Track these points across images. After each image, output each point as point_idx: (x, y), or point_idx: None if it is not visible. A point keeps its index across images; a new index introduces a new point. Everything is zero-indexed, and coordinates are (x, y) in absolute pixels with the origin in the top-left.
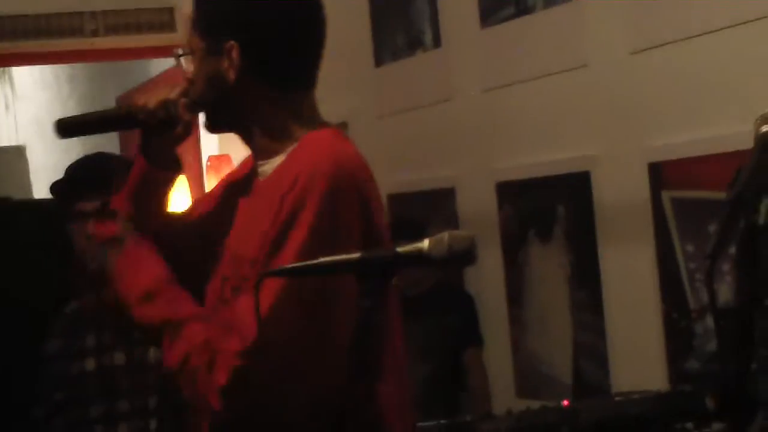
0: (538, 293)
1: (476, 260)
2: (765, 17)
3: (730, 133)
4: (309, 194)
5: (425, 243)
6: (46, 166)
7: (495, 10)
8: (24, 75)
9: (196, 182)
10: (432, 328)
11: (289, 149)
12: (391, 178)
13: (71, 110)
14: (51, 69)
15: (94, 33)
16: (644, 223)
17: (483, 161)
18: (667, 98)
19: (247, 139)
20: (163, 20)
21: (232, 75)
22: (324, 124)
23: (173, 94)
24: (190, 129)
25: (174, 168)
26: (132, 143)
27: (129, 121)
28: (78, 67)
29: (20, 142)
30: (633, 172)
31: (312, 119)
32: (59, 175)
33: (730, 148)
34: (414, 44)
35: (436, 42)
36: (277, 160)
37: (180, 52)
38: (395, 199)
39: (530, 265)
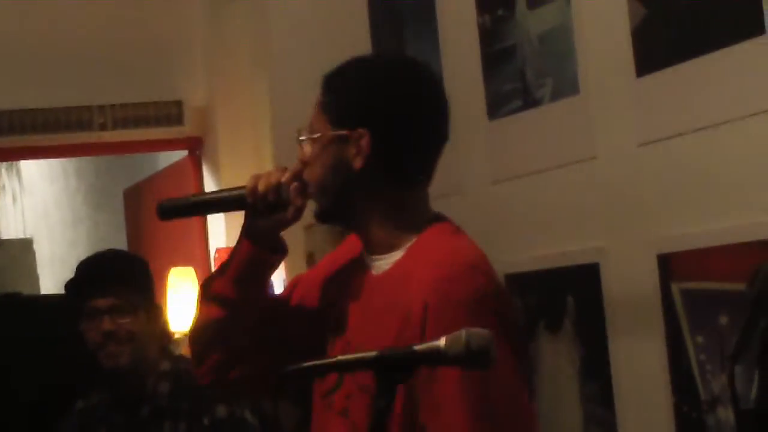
0: (548, 386)
1: (495, 360)
2: None
3: (739, 224)
4: (449, 303)
5: (442, 341)
6: (53, 259)
7: (502, 103)
8: (32, 168)
9: (205, 275)
10: None
11: (407, 245)
12: None
13: (79, 203)
14: (59, 162)
15: (102, 127)
16: (654, 315)
17: (492, 253)
18: (676, 190)
19: (362, 231)
20: (171, 114)
21: (358, 163)
22: (435, 216)
23: (285, 177)
24: (301, 213)
25: (280, 251)
26: (140, 242)
27: (237, 203)
28: (86, 160)
29: (27, 235)
30: (642, 264)
31: (424, 212)
32: (66, 267)
33: (740, 240)
34: None
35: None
36: (394, 256)
37: (301, 134)
38: None
39: (540, 358)
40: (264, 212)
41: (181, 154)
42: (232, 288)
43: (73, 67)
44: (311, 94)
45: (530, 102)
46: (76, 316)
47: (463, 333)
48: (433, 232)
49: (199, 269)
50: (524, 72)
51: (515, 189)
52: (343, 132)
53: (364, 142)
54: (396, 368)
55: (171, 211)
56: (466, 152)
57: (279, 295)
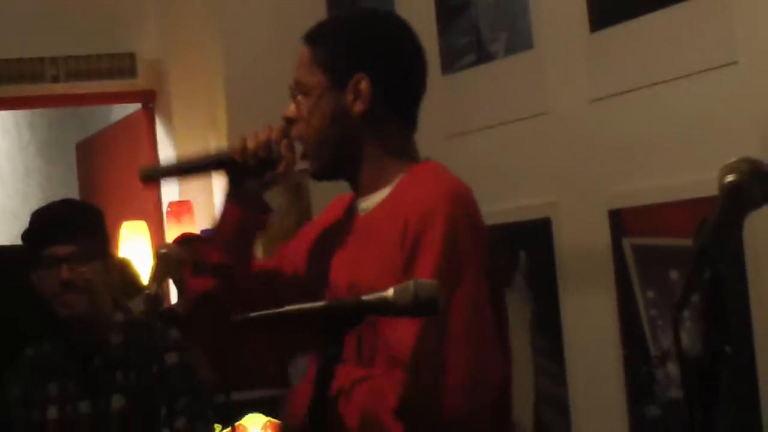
0: None
1: (441, 309)
2: (725, 65)
3: (690, 180)
4: (430, 221)
5: (390, 291)
6: (4, 212)
7: (456, 57)
8: None
9: (157, 229)
10: None
11: (394, 182)
12: None
13: (31, 156)
14: (10, 114)
15: (55, 79)
16: (605, 270)
17: None
18: (627, 146)
19: (356, 177)
20: (124, 66)
21: (360, 107)
22: (427, 159)
23: (274, 134)
24: (291, 170)
25: (267, 210)
26: (92, 195)
27: (224, 163)
28: (38, 113)
29: None
30: (593, 219)
31: (413, 152)
32: (18, 221)
33: (690, 196)
34: None
35: None
36: (380, 195)
37: (295, 90)
38: None
39: None
40: (254, 171)
41: (134, 107)
42: (227, 253)
43: (25, 18)
44: (265, 46)
45: (484, 57)
46: (28, 265)
47: (411, 283)
48: (422, 168)
49: (152, 223)
50: (478, 26)
51: (467, 144)
52: (339, 79)
53: (364, 85)
54: (344, 318)
55: (154, 175)
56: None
57: (272, 259)
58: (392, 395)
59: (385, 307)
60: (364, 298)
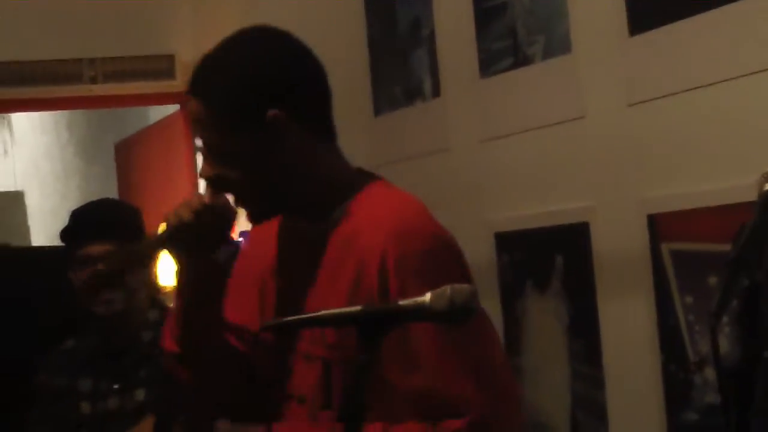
0: (535, 344)
1: (476, 315)
2: (766, 70)
3: (729, 185)
4: (408, 259)
5: (427, 296)
6: (43, 211)
7: (494, 61)
8: (23, 120)
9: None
10: None
11: (345, 203)
12: None
13: (70, 156)
14: (50, 115)
15: (93, 80)
16: (643, 275)
17: (481, 211)
18: (666, 150)
19: (299, 206)
20: (162, 68)
21: (284, 143)
22: (369, 175)
23: (210, 199)
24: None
25: (225, 272)
26: (130, 195)
27: (165, 243)
28: (77, 113)
29: (18, 188)
30: (632, 224)
31: (350, 168)
32: (57, 220)
33: (729, 201)
34: (413, 94)
35: (435, 92)
36: (333, 217)
37: (206, 154)
38: None
39: (528, 316)
40: (211, 237)
41: (172, 108)
42: (195, 316)
43: (65, 19)
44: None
45: (521, 60)
46: (66, 265)
47: (447, 289)
48: (374, 188)
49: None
50: (516, 29)
51: (504, 148)
52: (252, 123)
53: (281, 120)
54: (379, 324)
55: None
56: (456, 110)
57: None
58: None
59: (421, 312)
60: (401, 303)
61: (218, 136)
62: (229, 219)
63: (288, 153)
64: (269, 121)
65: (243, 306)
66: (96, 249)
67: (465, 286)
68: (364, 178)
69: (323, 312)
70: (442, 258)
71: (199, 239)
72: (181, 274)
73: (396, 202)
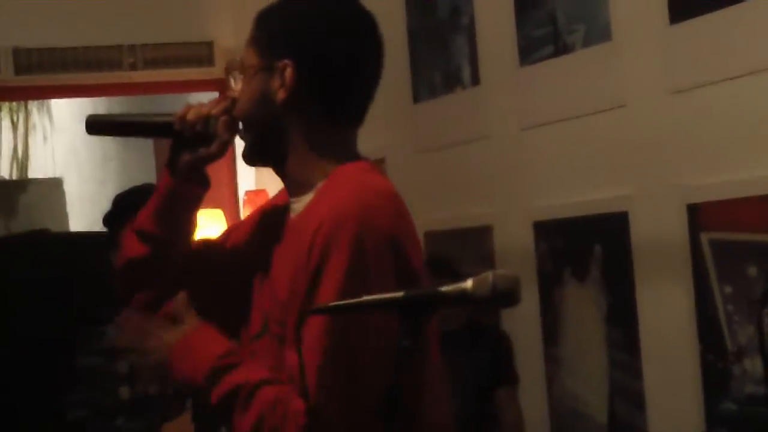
0: (573, 332)
1: (520, 301)
2: None
3: None
4: (336, 240)
5: (469, 282)
6: (82, 198)
7: (534, 48)
8: (62, 107)
9: (233, 217)
10: (462, 364)
11: (320, 184)
12: (427, 216)
13: (108, 142)
14: (89, 101)
15: (133, 66)
16: (682, 264)
17: (520, 200)
18: (707, 139)
19: (282, 172)
20: (202, 54)
21: (282, 94)
22: (356, 158)
23: (215, 110)
24: (226, 149)
25: (203, 184)
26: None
27: (164, 129)
28: (116, 100)
29: (57, 174)
30: (671, 213)
31: (345, 154)
32: (96, 207)
33: None
34: (452, 82)
35: (475, 80)
36: (308, 197)
37: (229, 65)
38: (431, 236)
39: (566, 304)
40: (189, 142)
41: (211, 95)
42: (154, 222)
43: (104, 6)
44: None
45: (561, 48)
46: (107, 249)
47: (489, 275)
48: (344, 170)
49: (228, 212)
50: (556, 17)
51: (544, 136)
52: (268, 63)
53: (288, 73)
54: (421, 308)
55: (97, 126)
56: (496, 98)
57: (213, 240)
58: (298, 421)
59: (463, 298)
60: (443, 289)
61: (246, 61)
62: (209, 138)
63: (281, 109)
64: (280, 68)
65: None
66: None
67: (507, 272)
68: (342, 160)
69: (366, 297)
70: (370, 245)
71: (181, 139)
72: (165, 164)
73: (354, 182)
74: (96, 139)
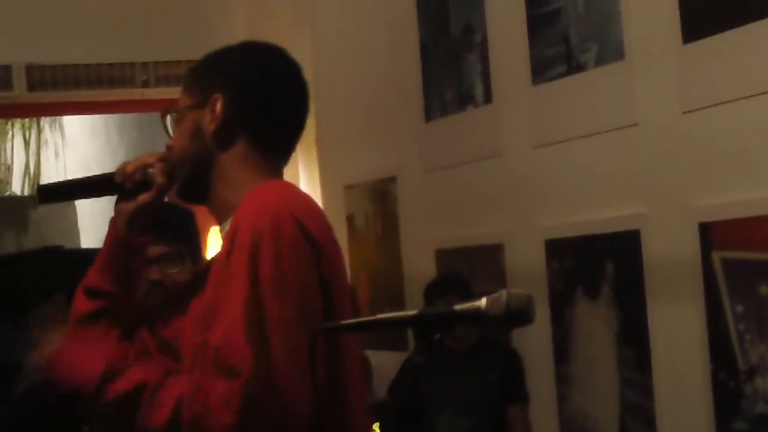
0: (585, 350)
1: (533, 320)
2: None
3: None
4: (243, 226)
5: (483, 301)
6: (93, 215)
7: (546, 67)
8: (74, 123)
9: None
10: (474, 382)
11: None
12: (438, 233)
13: (120, 159)
14: (101, 118)
15: (145, 84)
16: (693, 283)
17: (532, 218)
18: (719, 158)
19: (212, 202)
20: None
21: (212, 125)
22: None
23: (151, 159)
24: (163, 194)
25: (144, 233)
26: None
27: (107, 185)
28: (128, 117)
29: None
30: (683, 232)
31: (270, 177)
32: (106, 223)
33: None
34: (464, 100)
35: (487, 98)
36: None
37: (164, 112)
38: (442, 254)
39: (577, 322)
40: (131, 193)
41: None
42: (101, 278)
43: (117, 23)
44: (353, 52)
45: (574, 67)
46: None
47: (503, 294)
48: (265, 183)
49: None
50: (569, 36)
51: (556, 154)
52: (200, 99)
53: (219, 105)
54: (434, 326)
55: (49, 194)
56: (508, 116)
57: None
58: (227, 409)
59: (477, 316)
60: (457, 307)
61: (180, 104)
62: (148, 186)
63: (213, 142)
64: (211, 102)
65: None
66: (152, 250)
67: (521, 291)
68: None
69: (380, 315)
70: (275, 230)
71: (123, 191)
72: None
73: (270, 192)
74: (108, 155)
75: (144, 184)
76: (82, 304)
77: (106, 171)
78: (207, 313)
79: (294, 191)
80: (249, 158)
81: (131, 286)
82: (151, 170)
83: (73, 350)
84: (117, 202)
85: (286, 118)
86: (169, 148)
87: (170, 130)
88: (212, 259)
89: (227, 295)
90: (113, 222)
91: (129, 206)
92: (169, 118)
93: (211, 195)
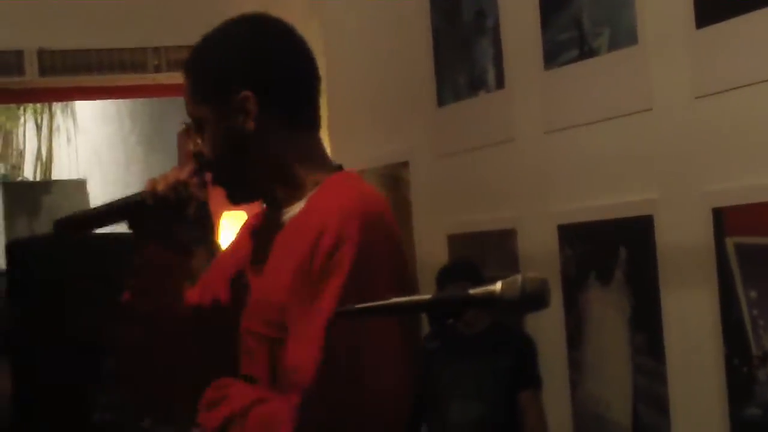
0: (597, 336)
1: (548, 304)
2: None
3: None
4: (343, 239)
5: (498, 285)
6: (105, 199)
7: (559, 52)
8: (86, 109)
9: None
10: (486, 368)
11: (309, 194)
12: (451, 219)
13: (132, 145)
14: (113, 103)
15: (157, 69)
16: (707, 268)
17: (544, 203)
18: (732, 143)
19: (269, 195)
20: None
21: (251, 125)
22: (341, 167)
23: (183, 174)
24: (205, 209)
25: (187, 252)
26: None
27: (137, 209)
28: (140, 102)
29: (80, 175)
30: (696, 217)
31: (326, 162)
32: None
33: None
34: (477, 85)
35: (499, 83)
36: (298, 206)
37: (186, 126)
38: (454, 240)
39: (590, 308)
40: (167, 214)
41: None
42: (141, 299)
43: (129, 8)
44: (364, 38)
45: (587, 52)
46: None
47: (518, 278)
48: (339, 178)
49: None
50: (581, 21)
51: (569, 139)
52: (223, 104)
53: (251, 102)
54: (449, 311)
55: (69, 227)
56: (521, 101)
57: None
58: (286, 424)
59: (491, 301)
60: (472, 291)
61: (198, 114)
62: (185, 203)
63: (255, 138)
64: (238, 100)
65: (209, 295)
66: None
67: (536, 275)
68: (329, 172)
69: (394, 300)
70: (376, 246)
71: (157, 213)
72: (140, 242)
73: (355, 191)
74: (119, 141)
75: (178, 202)
76: (128, 330)
77: (119, 165)
78: (271, 308)
79: (366, 188)
80: (294, 145)
81: (171, 303)
82: (183, 187)
83: None
84: (148, 221)
85: (308, 91)
86: (200, 155)
87: (191, 139)
88: (271, 226)
89: (309, 310)
90: (147, 241)
91: (168, 225)
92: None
93: (265, 192)
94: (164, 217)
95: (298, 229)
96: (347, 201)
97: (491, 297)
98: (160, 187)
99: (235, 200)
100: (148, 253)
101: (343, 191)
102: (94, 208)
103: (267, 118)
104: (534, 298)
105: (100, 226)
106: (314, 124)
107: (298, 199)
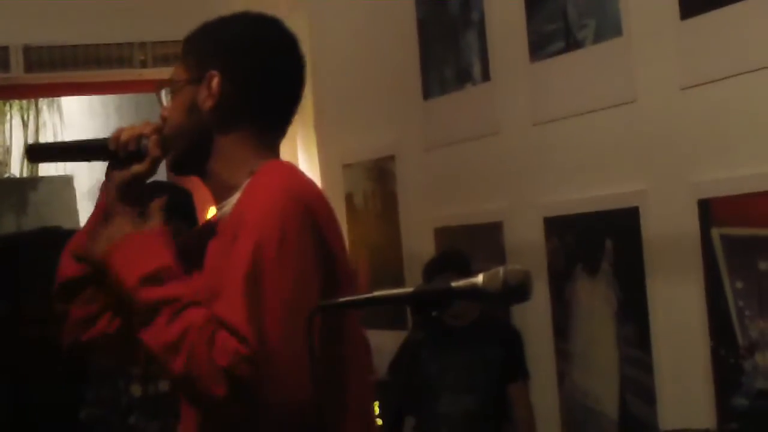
0: (584, 327)
1: (531, 296)
2: None
3: None
4: (255, 201)
5: (480, 278)
6: (92, 196)
7: (544, 44)
8: (72, 104)
9: None
10: (475, 360)
11: (245, 182)
12: (437, 212)
13: None
14: (99, 99)
15: (143, 64)
16: (693, 260)
17: (531, 195)
18: (718, 134)
19: (208, 179)
20: None
21: (209, 103)
22: (277, 157)
23: (147, 129)
24: (156, 166)
25: (137, 203)
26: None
27: (100, 151)
28: (126, 98)
29: (68, 172)
30: (682, 208)
31: (270, 156)
32: None
33: None
34: (463, 77)
35: (485, 75)
36: (235, 197)
37: (162, 90)
38: (441, 232)
39: (577, 300)
40: (123, 162)
41: None
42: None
43: (114, 3)
44: (350, 30)
45: (572, 43)
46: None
47: (500, 270)
48: (271, 164)
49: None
50: (566, 12)
51: (555, 131)
52: (196, 75)
53: (215, 82)
54: (432, 303)
55: (39, 153)
56: (507, 93)
57: None
58: (224, 354)
59: (474, 293)
60: (454, 284)
61: (175, 77)
62: (141, 157)
63: (210, 118)
64: (207, 78)
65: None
66: None
67: (518, 267)
68: (265, 159)
69: (377, 293)
70: (281, 212)
71: (116, 159)
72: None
73: (280, 172)
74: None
75: (137, 153)
76: (69, 267)
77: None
78: (209, 286)
79: (297, 173)
80: (247, 137)
81: None
82: (145, 141)
83: (134, 244)
84: (109, 168)
85: (284, 96)
86: (164, 119)
87: (164, 102)
88: (210, 223)
89: (230, 273)
90: (104, 188)
91: (121, 175)
92: (164, 91)
93: (208, 172)
94: (123, 164)
95: (231, 222)
96: (269, 180)
97: (473, 289)
98: (123, 137)
99: (175, 169)
100: (98, 198)
101: (268, 174)
102: (65, 141)
103: (226, 103)
104: (516, 291)
105: (68, 159)
106: (275, 127)
107: (234, 190)
